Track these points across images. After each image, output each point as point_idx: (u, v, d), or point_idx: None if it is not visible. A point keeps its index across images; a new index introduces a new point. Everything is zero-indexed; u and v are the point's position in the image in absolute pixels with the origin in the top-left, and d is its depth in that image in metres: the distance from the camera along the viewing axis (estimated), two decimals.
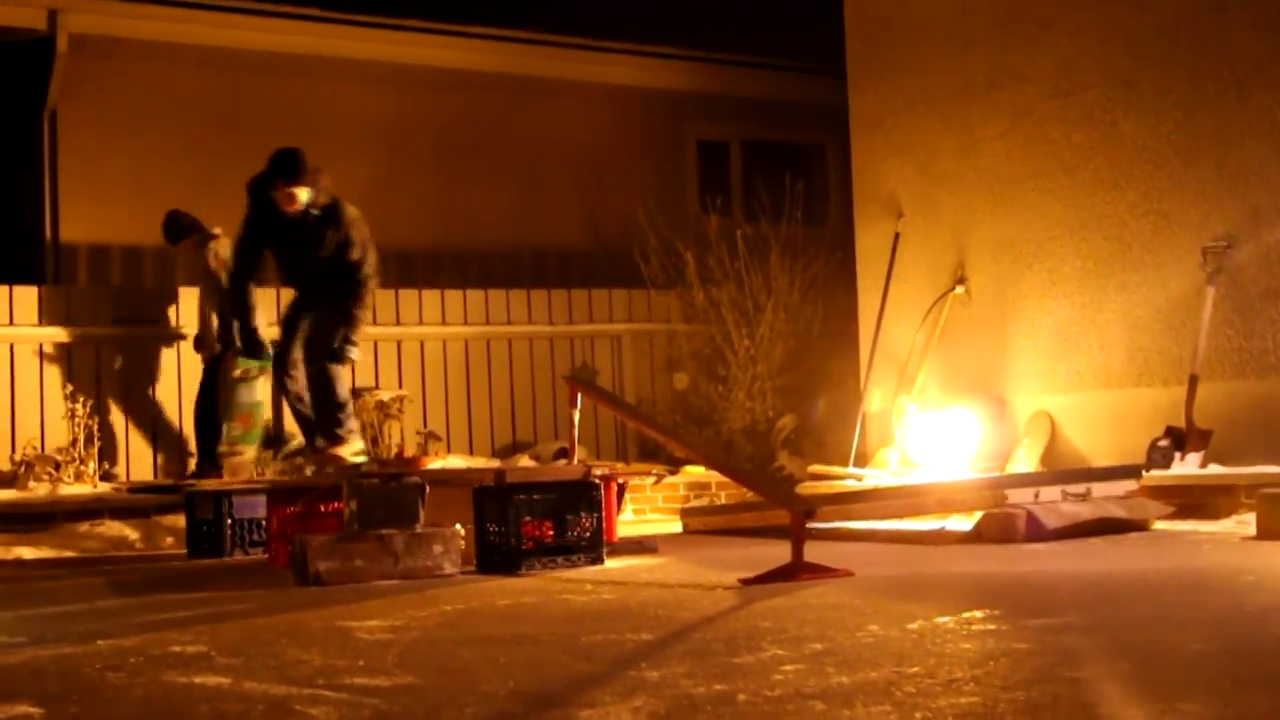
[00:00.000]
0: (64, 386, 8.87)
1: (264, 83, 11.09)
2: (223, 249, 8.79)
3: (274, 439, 8.77)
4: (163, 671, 3.00)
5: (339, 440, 7.51)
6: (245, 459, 8.41)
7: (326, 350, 7.48)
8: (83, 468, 8.50)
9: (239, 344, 8.10)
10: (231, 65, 10.95)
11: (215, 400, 8.70)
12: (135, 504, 8.03)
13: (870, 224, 9.32)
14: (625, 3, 12.61)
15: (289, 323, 7.77)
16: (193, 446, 8.99)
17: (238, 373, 8.47)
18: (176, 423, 9.22)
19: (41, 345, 9.02)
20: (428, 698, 2.59)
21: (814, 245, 10.51)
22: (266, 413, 8.71)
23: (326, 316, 7.54)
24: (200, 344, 8.94)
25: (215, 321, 8.80)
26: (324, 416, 7.54)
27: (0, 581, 5.79)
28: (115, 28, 10.34)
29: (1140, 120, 7.50)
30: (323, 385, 7.53)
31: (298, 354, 7.61)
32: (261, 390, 8.65)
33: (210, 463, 8.52)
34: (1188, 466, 6.65)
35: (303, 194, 7.39)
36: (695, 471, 8.90)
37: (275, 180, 7.37)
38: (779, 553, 4.56)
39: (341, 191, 10.95)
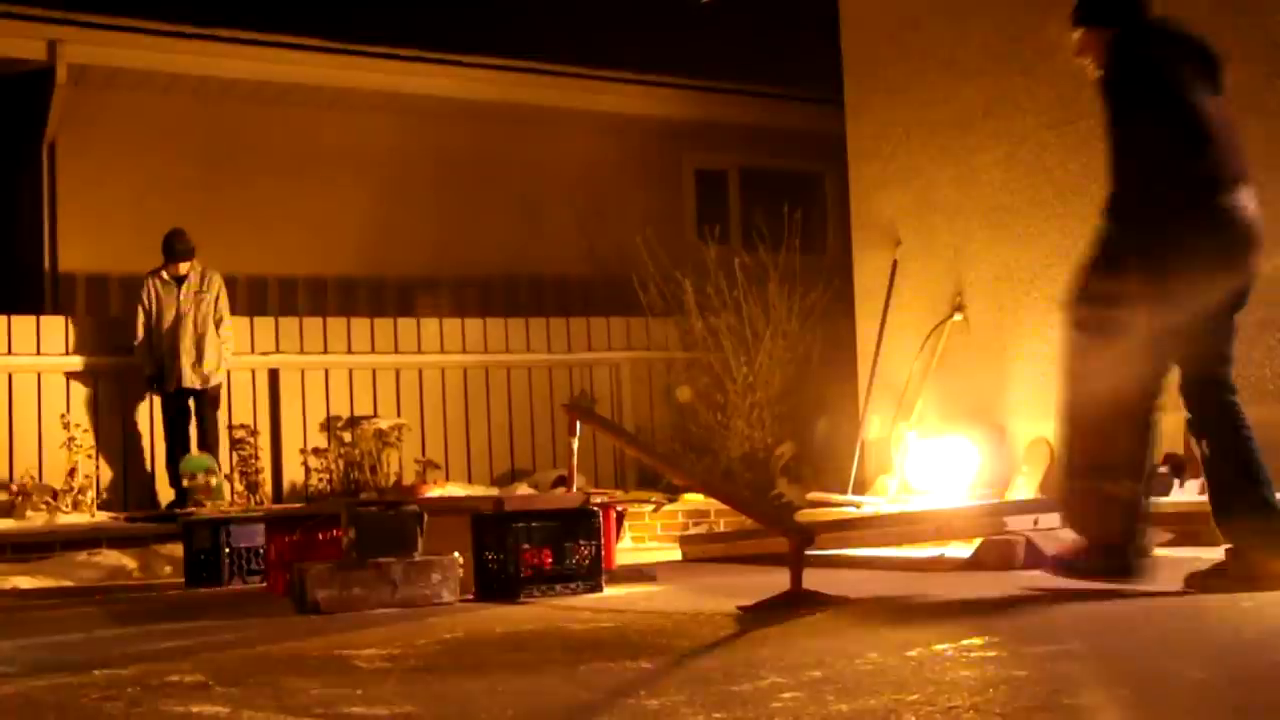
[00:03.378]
0: (62, 415, 8.88)
1: (262, 112, 11.14)
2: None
3: None
4: (160, 701, 2.99)
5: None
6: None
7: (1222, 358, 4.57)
8: (80, 496, 8.50)
9: None
10: (230, 95, 10.99)
11: (185, 436, 8.96)
12: (133, 533, 8.03)
13: (868, 251, 9.34)
14: (623, 32, 12.67)
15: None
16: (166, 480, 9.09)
17: (186, 482, 8.69)
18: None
19: (40, 374, 9.03)
20: None
21: (812, 273, 10.52)
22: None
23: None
24: (167, 378, 8.98)
25: (213, 353, 8.96)
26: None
27: None
28: (114, 58, 10.39)
29: None
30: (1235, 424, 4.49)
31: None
32: (220, 491, 8.89)
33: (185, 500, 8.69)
34: (1187, 493, 6.64)
35: None
36: (694, 499, 8.88)
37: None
38: (778, 580, 4.55)
39: (340, 220, 11.13)
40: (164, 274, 9.10)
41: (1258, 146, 6.99)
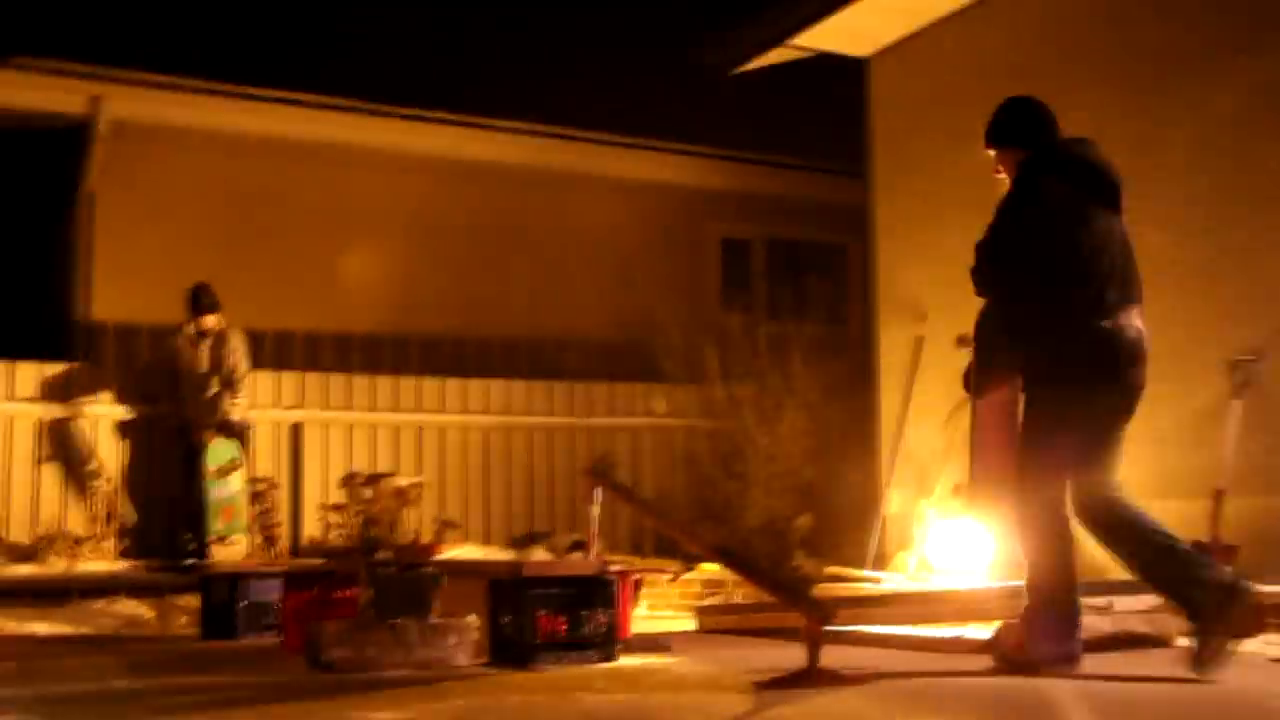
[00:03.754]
0: (88, 463, 8.93)
1: (295, 169, 11.26)
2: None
3: None
4: None
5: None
6: (238, 548, 8.57)
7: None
8: (102, 544, 8.53)
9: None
10: (263, 151, 11.12)
11: (199, 489, 8.89)
12: (151, 582, 8.04)
13: (892, 326, 9.34)
14: (650, 100, 12.79)
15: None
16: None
17: (213, 469, 8.66)
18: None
19: (69, 421, 9.08)
20: None
21: (835, 344, 10.52)
22: (244, 502, 8.87)
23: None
24: (191, 430, 9.01)
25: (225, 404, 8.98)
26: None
27: (13, 658, 5.77)
28: (154, 113, 10.57)
29: (1167, 234, 7.50)
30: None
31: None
32: (236, 481, 8.81)
33: (202, 553, 8.66)
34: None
35: None
36: (711, 569, 8.83)
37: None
38: (794, 655, 4.52)
39: (368, 277, 11.21)
40: (188, 328, 9.16)
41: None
